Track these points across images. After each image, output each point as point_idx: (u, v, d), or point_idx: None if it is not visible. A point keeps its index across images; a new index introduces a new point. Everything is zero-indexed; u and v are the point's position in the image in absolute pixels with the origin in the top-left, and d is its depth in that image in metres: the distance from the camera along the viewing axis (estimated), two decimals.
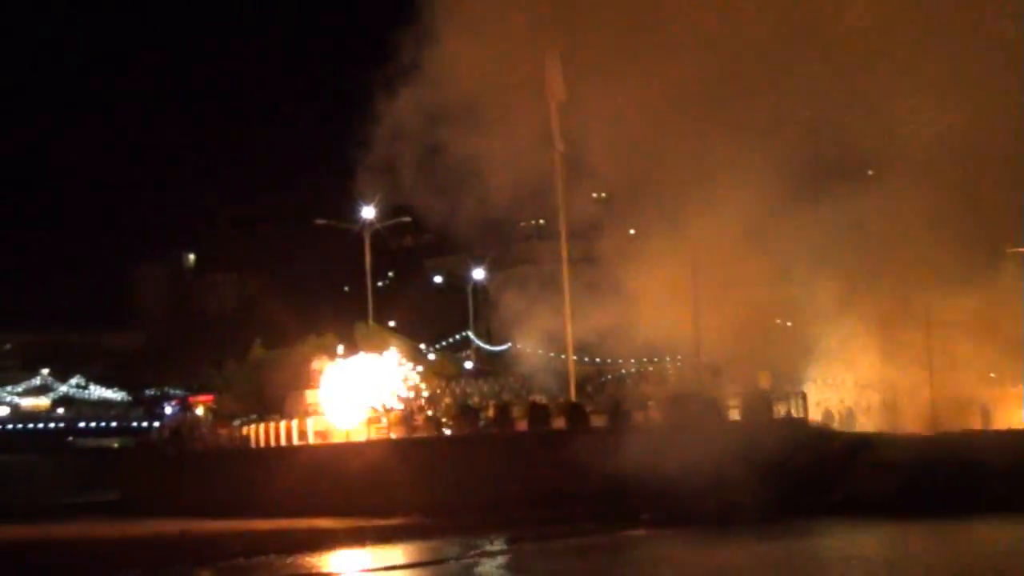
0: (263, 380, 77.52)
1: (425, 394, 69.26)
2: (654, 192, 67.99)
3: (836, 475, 57.18)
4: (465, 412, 66.60)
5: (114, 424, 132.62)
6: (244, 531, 55.90)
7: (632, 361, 74.83)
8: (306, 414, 69.30)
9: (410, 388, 68.84)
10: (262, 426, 70.31)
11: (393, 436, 65.31)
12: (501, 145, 67.59)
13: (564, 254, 68.68)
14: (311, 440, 67.28)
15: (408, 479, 61.37)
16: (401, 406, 67.40)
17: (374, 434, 65.86)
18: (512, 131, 67.89)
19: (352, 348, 72.63)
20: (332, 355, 72.16)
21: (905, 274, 67.20)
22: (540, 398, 69.00)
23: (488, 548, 50.40)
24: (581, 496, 57.60)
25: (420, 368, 71.65)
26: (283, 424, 69.01)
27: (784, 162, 65.48)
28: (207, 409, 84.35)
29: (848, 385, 69.88)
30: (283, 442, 68.33)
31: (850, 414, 68.74)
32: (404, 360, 70.27)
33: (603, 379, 75.12)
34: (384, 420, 66.37)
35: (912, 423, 66.73)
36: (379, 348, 71.03)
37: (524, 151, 67.77)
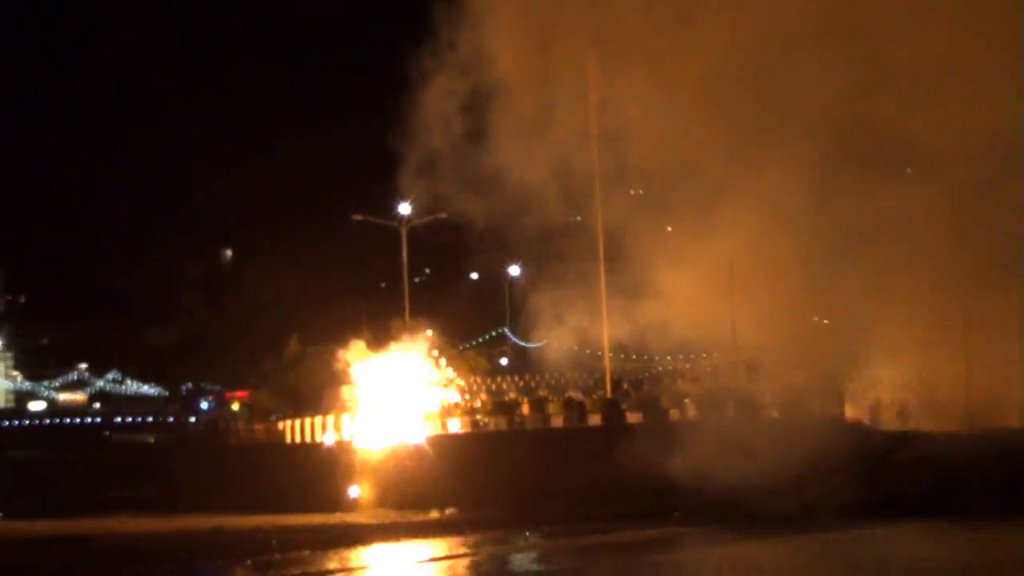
0: (299, 376, 77.81)
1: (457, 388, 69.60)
2: (691, 188, 67.93)
3: (874, 473, 56.98)
4: (501, 408, 66.69)
5: (150, 419, 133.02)
6: (279, 526, 56.21)
7: (668, 358, 74.88)
8: (342, 410, 69.48)
9: (445, 384, 69.11)
10: (298, 422, 70.55)
11: (428, 432, 65.45)
12: (538, 141, 67.71)
13: (600, 251, 68.98)
14: (346, 436, 67.44)
15: (444, 474, 61.56)
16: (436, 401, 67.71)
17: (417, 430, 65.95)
18: (549, 126, 68.02)
19: (388, 344, 72.78)
20: (369, 350, 72.29)
21: (944, 270, 66.90)
22: (575, 394, 69.15)
23: (520, 543, 50.60)
24: (617, 492, 57.72)
25: (450, 366, 71.93)
26: (319, 420, 69.21)
27: (823, 159, 65.40)
28: (243, 405, 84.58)
29: (885, 382, 69.63)
30: (318, 438, 68.57)
31: (903, 412, 68.48)
32: (439, 355, 70.56)
33: (639, 376, 75.09)
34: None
35: (949, 421, 66.48)
36: (414, 344, 71.20)
37: (561, 146, 67.91)
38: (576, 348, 73.94)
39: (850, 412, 66.38)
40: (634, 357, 74.82)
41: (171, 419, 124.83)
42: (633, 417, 64.10)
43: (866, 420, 66.71)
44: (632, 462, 56.88)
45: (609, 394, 68.35)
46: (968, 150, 64.85)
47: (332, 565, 46.86)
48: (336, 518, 58.82)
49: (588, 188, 69.11)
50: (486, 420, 66.22)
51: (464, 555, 48.52)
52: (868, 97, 66.81)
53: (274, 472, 67.95)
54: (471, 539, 52.35)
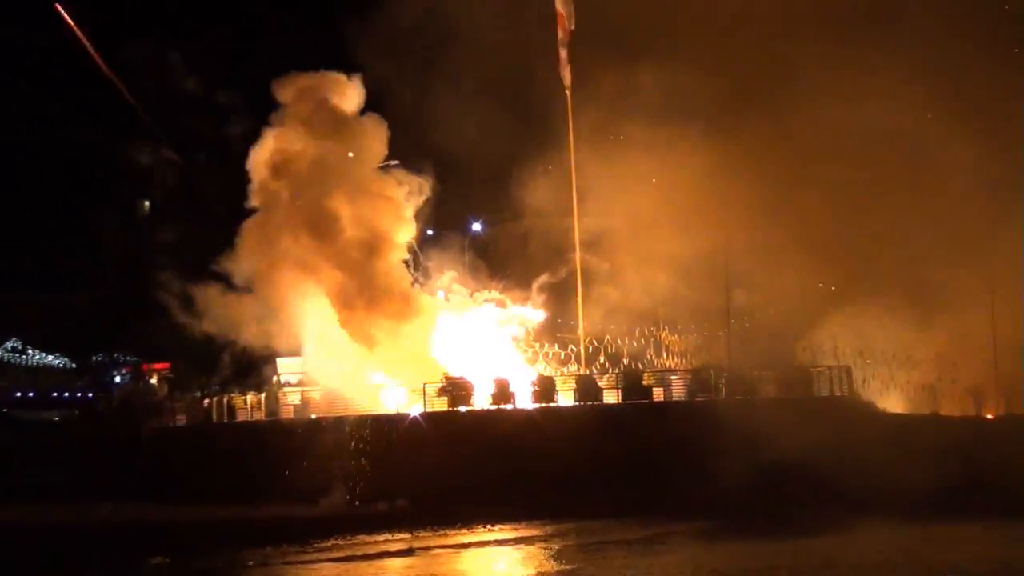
0: (228, 345, 77.34)
1: None
2: (679, 133, 68.21)
3: (888, 463, 56.98)
4: (457, 387, 66.17)
5: (55, 394, 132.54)
6: (205, 520, 56.52)
7: (651, 329, 75.01)
8: (279, 385, 69.26)
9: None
10: (226, 398, 70.26)
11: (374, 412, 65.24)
12: (504, 85, 68.24)
13: (574, 204, 69.31)
14: (283, 415, 67.21)
15: (392, 460, 61.46)
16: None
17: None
18: (517, 67, 68.51)
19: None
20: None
21: (969, 230, 67.41)
22: (546, 368, 69.46)
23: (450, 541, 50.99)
24: (590, 481, 58.01)
25: None
26: (249, 397, 68.95)
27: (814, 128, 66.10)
28: (162, 378, 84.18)
29: (901, 359, 69.96)
30: (250, 417, 68.30)
31: (923, 393, 68.72)
32: None
33: (622, 352, 75.10)
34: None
35: (974, 405, 66.86)
36: None
37: (529, 90, 68.38)
38: (548, 315, 73.98)
39: (861, 392, 66.63)
40: (612, 327, 74.90)
41: (79, 394, 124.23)
42: (611, 396, 64.13)
43: (879, 402, 67.02)
44: (607, 446, 57.53)
45: (583, 369, 68.54)
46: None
47: (259, 563, 47.12)
48: (265, 510, 58.83)
49: (561, 133, 69.36)
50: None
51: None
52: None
53: (199, 456, 67.70)
54: (419, 533, 52.79)
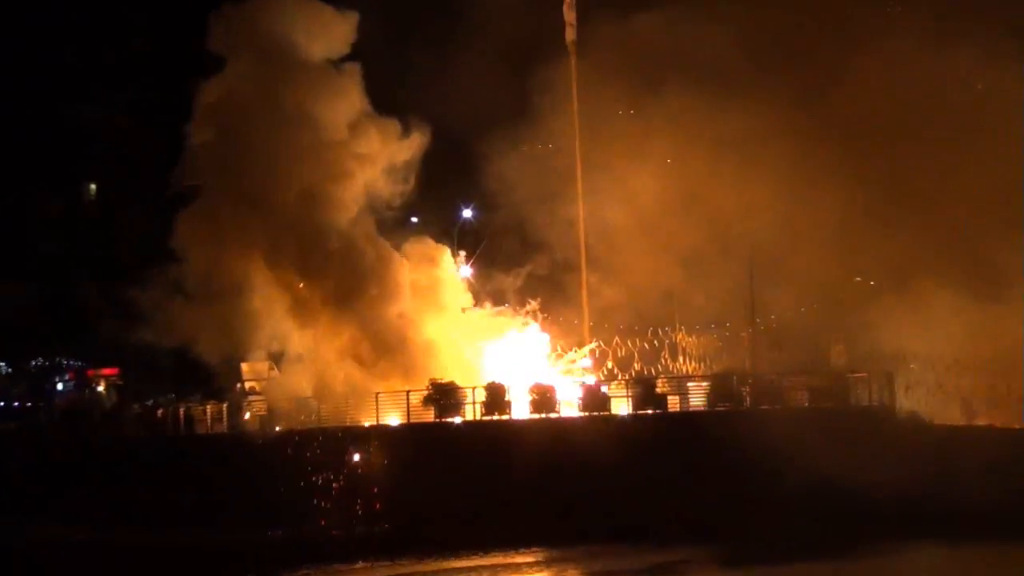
0: (185, 348, 76.88)
1: None
2: (693, 121, 68.09)
3: (932, 480, 56.61)
4: (444, 394, 65.31)
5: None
6: (160, 545, 56.78)
7: (666, 330, 74.80)
8: (244, 393, 68.74)
9: None
10: (182, 408, 69.75)
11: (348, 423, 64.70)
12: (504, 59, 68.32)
13: (579, 187, 68.90)
14: (248, 426, 66.67)
15: (372, 479, 61.04)
16: None
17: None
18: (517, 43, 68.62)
19: None
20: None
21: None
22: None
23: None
24: (595, 502, 57.51)
25: None
26: (209, 407, 68.41)
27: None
28: (110, 385, 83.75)
29: (948, 362, 69.57)
30: (211, 429, 67.81)
31: (968, 401, 68.48)
32: None
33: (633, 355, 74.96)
34: None
35: (1012, 414, 66.59)
36: None
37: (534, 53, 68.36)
38: (548, 315, 73.64)
39: (904, 401, 66.28)
40: (621, 327, 74.60)
41: (16, 403, 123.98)
42: (620, 405, 63.62)
43: (925, 412, 66.58)
44: (603, 465, 57.17)
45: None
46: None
47: None
48: (232, 534, 58.37)
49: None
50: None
51: None
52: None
53: (154, 474, 67.03)
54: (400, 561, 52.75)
